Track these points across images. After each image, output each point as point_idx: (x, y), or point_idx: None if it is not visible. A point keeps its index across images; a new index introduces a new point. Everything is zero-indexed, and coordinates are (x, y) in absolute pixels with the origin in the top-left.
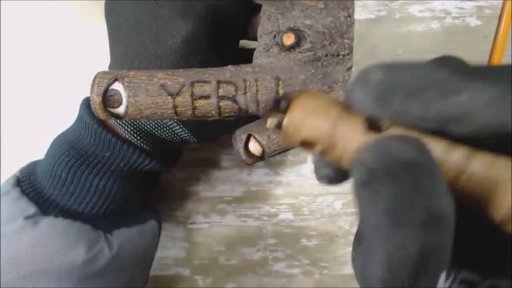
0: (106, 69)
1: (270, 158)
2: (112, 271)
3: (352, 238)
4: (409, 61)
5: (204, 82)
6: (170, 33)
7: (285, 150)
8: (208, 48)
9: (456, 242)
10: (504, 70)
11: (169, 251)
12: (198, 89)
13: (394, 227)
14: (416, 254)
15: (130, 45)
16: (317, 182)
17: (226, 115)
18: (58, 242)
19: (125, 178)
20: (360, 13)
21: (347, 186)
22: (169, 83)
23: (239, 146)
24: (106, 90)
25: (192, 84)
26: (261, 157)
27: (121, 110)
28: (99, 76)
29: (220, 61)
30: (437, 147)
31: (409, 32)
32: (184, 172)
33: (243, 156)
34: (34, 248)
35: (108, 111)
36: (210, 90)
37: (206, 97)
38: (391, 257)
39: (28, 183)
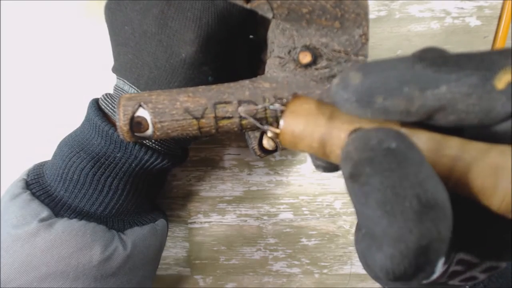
0: (107, 67)
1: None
2: (127, 270)
3: (352, 237)
4: (386, 59)
5: (226, 103)
6: (182, 44)
7: None
8: (220, 55)
9: (454, 226)
10: (482, 57)
11: (170, 250)
12: (221, 110)
13: (389, 218)
14: (414, 246)
15: (138, 54)
16: (317, 182)
17: (248, 130)
18: (74, 243)
19: (137, 177)
20: None
21: None
22: (192, 106)
23: (253, 143)
24: (132, 118)
25: (215, 105)
26: (274, 151)
27: (148, 133)
28: (123, 103)
29: (232, 63)
30: (430, 140)
31: (409, 32)
32: (185, 172)
33: (258, 152)
34: (50, 250)
35: (136, 136)
36: (232, 110)
37: (229, 117)
38: (392, 250)
39: (37, 185)
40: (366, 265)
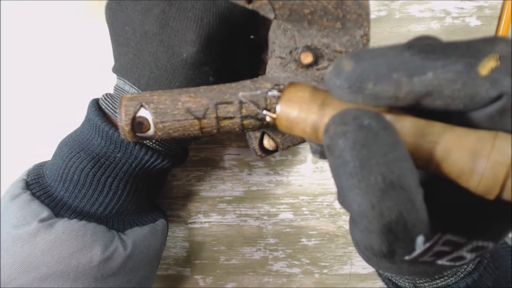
0: (107, 67)
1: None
2: (127, 270)
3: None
4: (378, 47)
5: (227, 103)
6: (183, 44)
7: (297, 144)
8: (221, 55)
9: (438, 207)
10: (468, 45)
11: (170, 250)
12: (222, 111)
13: (355, 191)
14: (377, 222)
15: (138, 54)
16: (317, 182)
17: (249, 130)
18: (74, 244)
19: (137, 177)
20: None
21: None
22: (193, 106)
23: (254, 143)
24: (133, 118)
25: (216, 106)
26: (275, 151)
27: (150, 133)
28: (124, 103)
29: (233, 64)
30: (415, 125)
31: (409, 32)
32: (185, 172)
33: (258, 152)
34: (51, 250)
35: (138, 136)
36: (233, 110)
37: (230, 118)
38: (359, 225)
39: (37, 186)
40: (355, 245)
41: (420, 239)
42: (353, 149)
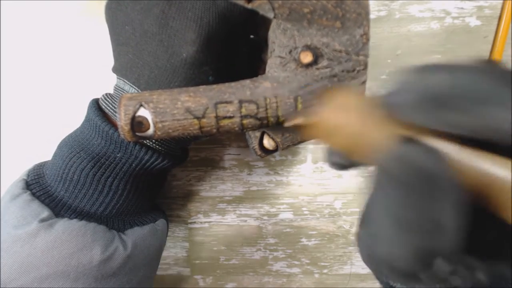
0: (107, 67)
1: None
2: (127, 270)
3: (352, 237)
4: (449, 64)
5: (227, 102)
6: (183, 44)
7: (297, 143)
8: (220, 55)
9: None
10: None
11: (170, 250)
12: (222, 110)
13: (398, 232)
14: (411, 255)
15: (138, 54)
16: (317, 182)
17: (249, 129)
18: (74, 244)
19: (137, 177)
20: None
21: (347, 186)
22: (193, 105)
23: (254, 143)
24: (133, 117)
25: (216, 105)
26: (275, 151)
27: (149, 133)
28: (124, 103)
29: (232, 63)
30: (462, 151)
31: (409, 32)
32: (185, 172)
33: (258, 152)
34: (51, 251)
35: (137, 135)
36: (233, 110)
37: (230, 117)
38: (392, 251)
39: (37, 186)
40: (368, 257)
41: (439, 260)
42: (408, 193)
